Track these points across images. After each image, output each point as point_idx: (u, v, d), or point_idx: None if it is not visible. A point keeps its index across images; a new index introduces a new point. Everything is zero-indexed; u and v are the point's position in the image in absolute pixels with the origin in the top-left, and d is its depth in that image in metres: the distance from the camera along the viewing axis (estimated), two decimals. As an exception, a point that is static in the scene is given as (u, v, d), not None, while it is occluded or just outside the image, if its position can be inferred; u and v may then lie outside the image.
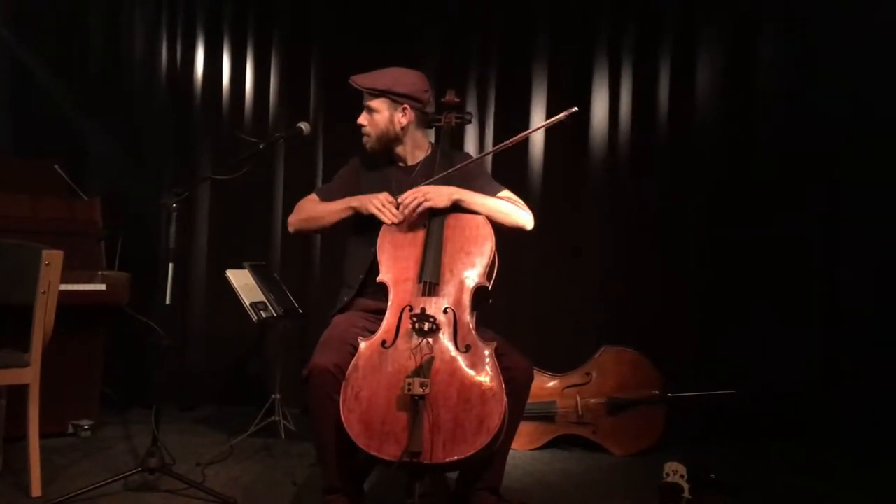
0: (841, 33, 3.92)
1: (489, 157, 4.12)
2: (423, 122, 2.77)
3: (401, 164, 2.76)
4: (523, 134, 2.75)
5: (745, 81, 4.07)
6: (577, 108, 2.53)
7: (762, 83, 4.06)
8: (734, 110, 4.07)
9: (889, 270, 3.86)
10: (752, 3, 4.07)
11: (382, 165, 2.77)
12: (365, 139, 2.74)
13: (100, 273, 3.56)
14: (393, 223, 2.53)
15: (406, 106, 2.68)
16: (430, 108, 2.78)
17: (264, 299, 3.59)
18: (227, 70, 4.41)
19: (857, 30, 3.89)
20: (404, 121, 2.69)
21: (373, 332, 2.38)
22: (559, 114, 2.56)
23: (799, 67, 4.01)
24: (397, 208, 2.54)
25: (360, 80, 2.69)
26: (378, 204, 2.56)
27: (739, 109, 4.07)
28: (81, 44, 4.33)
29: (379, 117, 2.69)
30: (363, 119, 2.71)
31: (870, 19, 3.85)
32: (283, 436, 3.57)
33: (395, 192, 2.59)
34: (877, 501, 3.02)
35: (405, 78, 2.70)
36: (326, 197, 2.74)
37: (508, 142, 2.69)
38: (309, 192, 2.85)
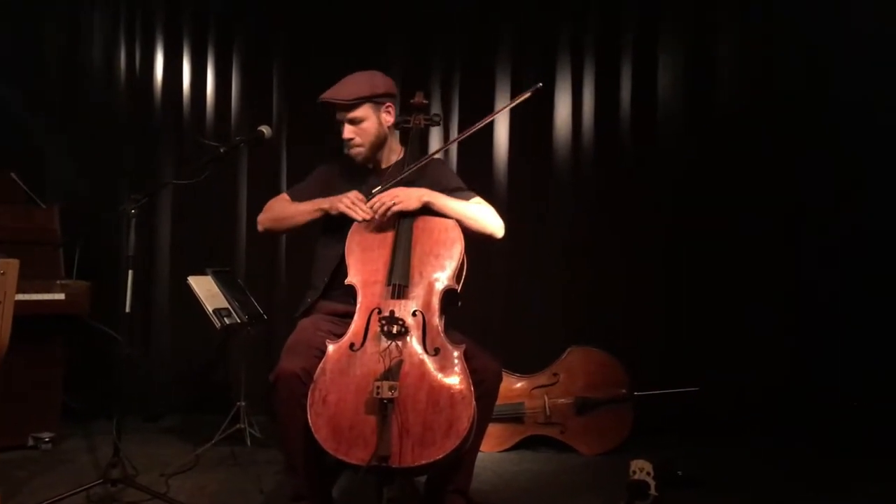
0: (800, 25, 3.99)
1: (454, 160, 4.13)
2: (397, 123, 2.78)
3: (374, 167, 2.75)
4: (491, 115, 2.78)
5: (706, 78, 4.12)
6: (541, 84, 2.58)
7: (722, 79, 4.11)
8: (696, 108, 4.12)
9: (853, 265, 3.94)
10: (709, 1, 4.13)
11: (355, 169, 2.75)
12: (356, 150, 2.68)
13: (58, 282, 3.50)
14: (364, 220, 2.52)
15: (389, 104, 2.69)
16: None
17: (228, 306, 3.54)
18: (187, 74, 4.35)
19: (817, 23, 3.96)
20: (390, 119, 2.70)
21: (338, 336, 2.37)
22: (520, 95, 2.62)
23: (758, 62, 4.07)
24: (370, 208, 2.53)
25: (339, 94, 2.63)
26: (347, 202, 2.55)
27: (701, 107, 4.12)
28: (38, 49, 4.23)
29: (368, 125, 2.66)
30: (350, 132, 2.65)
31: (828, 12, 3.93)
32: (248, 443, 3.52)
33: (367, 196, 2.58)
34: (841, 494, 3.06)
35: (375, 78, 2.69)
36: (298, 197, 2.72)
37: (476, 126, 2.71)
38: (273, 196, 2.82)
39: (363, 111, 2.64)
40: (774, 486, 3.19)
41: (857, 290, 3.92)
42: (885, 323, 3.85)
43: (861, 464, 3.46)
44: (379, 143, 2.71)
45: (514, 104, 2.73)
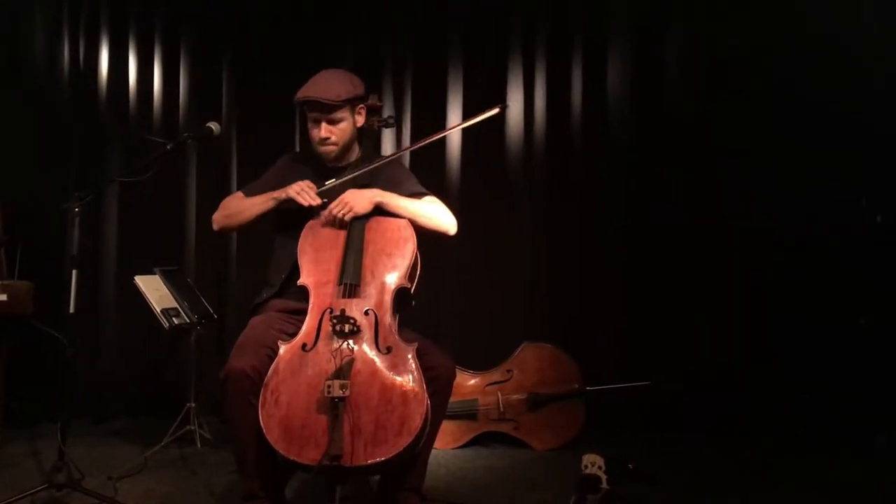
0: (743, 28, 4.07)
1: (407, 157, 4.12)
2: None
3: (332, 165, 2.73)
4: (449, 129, 2.75)
5: (654, 77, 4.17)
6: (508, 104, 2.58)
7: (670, 78, 4.17)
8: (645, 106, 4.17)
9: (802, 259, 4.01)
10: (657, 2, 4.19)
11: (311, 165, 2.73)
12: (330, 148, 2.67)
13: (0, 283, 3.41)
14: (311, 207, 2.53)
15: (361, 106, 2.71)
16: None
17: (176, 305, 3.49)
18: (133, 69, 4.27)
19: (759, 26, 4.05)
20: (361, 121, 2.72)
21: (289, 334, 2.36)
22: (485, 111, 2.63)
23: (706, 61, 4.13)
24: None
25: (326, 94, 2.60)
26: (297, 188, 2.56)
27: (650, 105, 4.17)
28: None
29: (346, 125, 2.66)
30: (327, 132, 2.64)
31: (774, 12, 4.02)
32: (199, 445, 3.48)
33: (318, 187, 2.59)
34: (792, 489, 3.12)
35: (354, 80, 2.71)
36: (252, 194, 2.71)
37: (433, 137, 2.71)
38: (223, 194, 2.79)
39: (344, 112, 2.65)
40: (725, 479, 3.25)
41: (806, 286, 3.99)
42: (836, 317, 3.92)
43: (810, 457, 3.52)
44: (350, 143, 2.72)
45: (479, 119, 2.73)
